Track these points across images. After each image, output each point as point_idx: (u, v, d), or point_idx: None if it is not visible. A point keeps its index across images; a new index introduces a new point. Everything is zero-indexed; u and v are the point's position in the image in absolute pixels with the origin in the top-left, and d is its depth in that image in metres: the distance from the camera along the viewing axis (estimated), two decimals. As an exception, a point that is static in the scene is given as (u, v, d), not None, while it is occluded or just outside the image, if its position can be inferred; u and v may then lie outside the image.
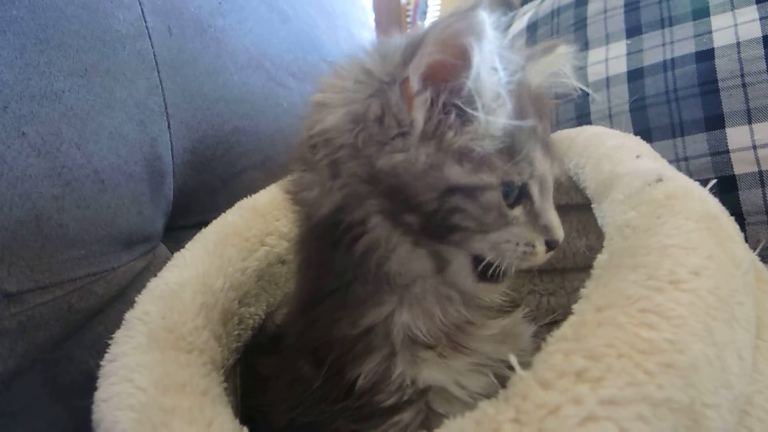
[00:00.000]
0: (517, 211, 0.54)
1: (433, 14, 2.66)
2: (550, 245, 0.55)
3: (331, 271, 0.57)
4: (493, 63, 0.48)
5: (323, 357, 0.58)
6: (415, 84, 0.50)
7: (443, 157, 0.51)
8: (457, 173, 0.51)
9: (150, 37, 0.87)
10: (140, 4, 0.86)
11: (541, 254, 0.55)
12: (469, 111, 0.50)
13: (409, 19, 2.42)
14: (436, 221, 0.52)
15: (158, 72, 0.87)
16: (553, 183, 0.58)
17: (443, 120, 0.51)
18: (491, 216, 0.52)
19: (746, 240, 0.91)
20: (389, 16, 2.42)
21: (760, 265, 0.67)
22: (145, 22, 0.86)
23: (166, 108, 0.87)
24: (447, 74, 0.49)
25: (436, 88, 0.50)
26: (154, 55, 0.87)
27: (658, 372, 0.37)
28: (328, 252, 0.56)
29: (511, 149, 0.52)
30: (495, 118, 0.50)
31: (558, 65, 0.63)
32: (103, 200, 0.75)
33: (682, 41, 1.06)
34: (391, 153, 0.51)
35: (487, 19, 0.46)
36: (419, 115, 0.50)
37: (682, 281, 0.43)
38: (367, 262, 0.54)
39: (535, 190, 0.55)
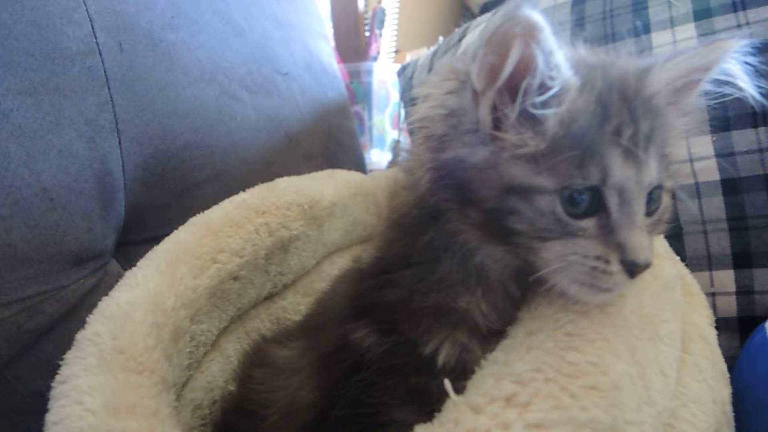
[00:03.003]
0: (587, 223, 0.50)
1: (391, 23, 2.68)
2: (628, 266, 0.49)
3: (422, 241, 0.58)
4: (547, 62, 0.48)
5: (392, 324, 0.57)
6: (477, 84, 0.51)
7: (503, 156, 0.51)
8: (514, 173, 0.50)
9: (100, 54, 0.86)
10: (90, 20, 0.86)
11: (619, 276, 0.49)
12: (530, 110, 0.50)
13: (367, 28, 2.43)
14: (493, 220, 0.52)
15: (109, 88, 0.87)
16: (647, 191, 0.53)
17: (505, 119, 0.51)
18: (545, 222, 0.50)
19: (684, 248, 0.95)
20: (348, 24, 2.43)
21: (690, 278, 0.71)
22: (96, 38, 0.86)
23: (117, 124, 0.87)
24: (505, 74, 0.50)
25: (498, 88, 0.51)
26: (105, 72, 0.86)
27: (582, 394, 0.39)
28: (427, 222, 0.57)
29: (581, 154, 0.49)
30: (554, 118, 0.49)
31: (712, 64, 0.57)
32: (52, 219, 0.75)
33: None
34: (458, 147, 0.53)
35: (533, 17, 0.46)
36: (484, 114, 0.52)
37: (606, 304, 0.45)
38: (455, 244, 0.56)
39: (612, 201, 0.50)
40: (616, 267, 0.49)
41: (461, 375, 0.52)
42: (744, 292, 0.96)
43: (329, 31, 2.29)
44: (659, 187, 0.55)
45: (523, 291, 0.58)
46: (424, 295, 0.57)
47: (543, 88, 0.49)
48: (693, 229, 0.99)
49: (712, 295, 0.98)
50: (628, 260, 0.49)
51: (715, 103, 0.60)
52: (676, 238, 0.99)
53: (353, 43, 2.43)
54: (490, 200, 0.52)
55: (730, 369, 0.73)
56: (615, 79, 0.53)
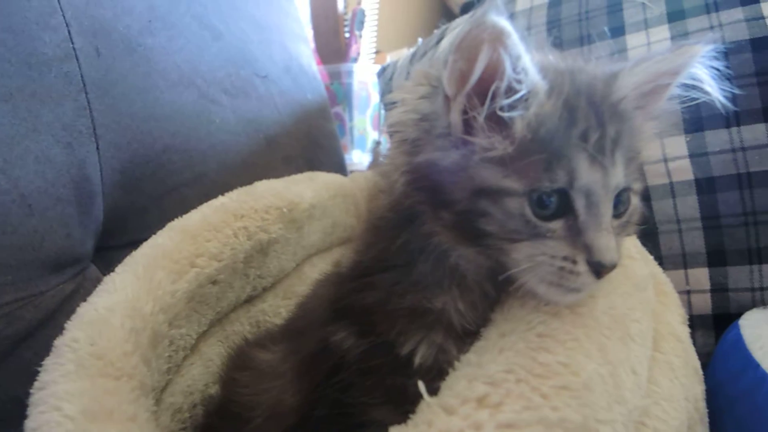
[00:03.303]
0: (555, 225, 0.51)
1: (370, 24, 2.69)
2: (595, 267, 0.50)
3: (397, 243, 0.59)
4: (514, 66, 0.49)
5: (370, 326, 0.58)
6: (448, 89, 0.52)
7: (473, 159, 0.52)
8: (484, 176, 0.52)
9: (77, 59, 0.86)
10: (67, 25, 0.86)
11: (586, 276, 0.51)
12: (498, 113, 0.51)
13: (346, 29, 2.43)
14: (465, 222, 0.53)
15: (86, 93, 0.87)
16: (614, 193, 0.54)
17: (476, 123, 0.52)
18: (514, 223, 0.51)
19: (660, 247, 0.96)
20: (327, 26, 2.43)
21: (663, 277, 0.72)
22: (72, 43, 0.86)
23: (94, 129, 0.87)
24: (474, 78, 0.51)
25: (467, 92, 0.52)
26: (82, 77, 0.86)
27: (553, 394, 0.40)
28: (403, 225, 0.58)
29: (548, 157, 0.50)
30: (522, 121, 0.51)
31: (680, 69, 0.58)
32: (30, 225, 0.75)
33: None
34: (431, 151, 0.54)
35: (501, 22, 0.46)
36: (455, 118, 0.53)
37: (578, 305, 0.46)
38: (430, 245, 0.57)
39: (579, 203, 0.51)
40: (582, 267, 0.51)
41: (437, 375, 0.52)
42: (719, 289, 0.98)
43: (309, 33, 2.29)
44: (627, 190, 0.56)
45: (498, 292, 0.59)
46: (400, 296, 0.58)
47: (511, 91, 0.50)
48: (668, 228, 1.01)
49: (687, 293, 1.00)
50: (594, 261, 0.50)
51: (688, 105, 0.61)
52: (651, 237, 1.01)
53: (333, 45, 2.43)
54: (461, 202, 0.53)
55: (705, 366, 0.74)
56: (582, 83, 0.55)
